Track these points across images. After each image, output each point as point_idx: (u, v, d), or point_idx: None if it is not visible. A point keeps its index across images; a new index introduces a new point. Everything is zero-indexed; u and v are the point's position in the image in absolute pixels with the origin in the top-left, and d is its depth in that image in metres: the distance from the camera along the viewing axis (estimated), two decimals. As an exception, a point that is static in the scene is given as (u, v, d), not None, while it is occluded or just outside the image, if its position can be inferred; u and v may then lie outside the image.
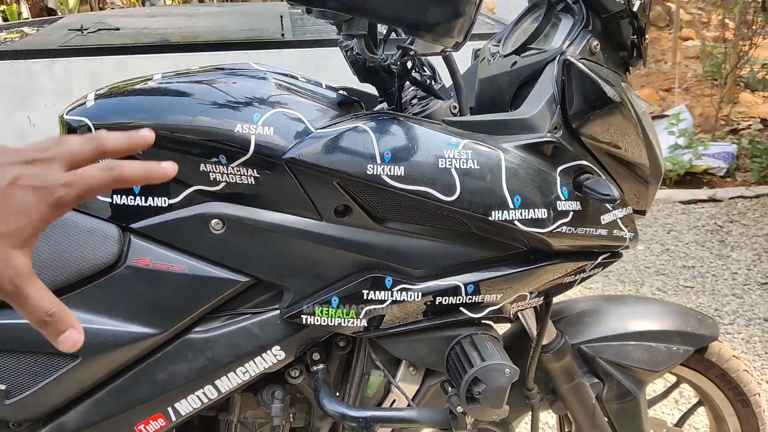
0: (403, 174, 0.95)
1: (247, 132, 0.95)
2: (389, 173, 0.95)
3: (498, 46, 1.25)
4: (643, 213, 1.19)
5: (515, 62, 1.14)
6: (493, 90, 1.18)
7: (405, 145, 0.96)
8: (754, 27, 4.55)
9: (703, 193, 3.91)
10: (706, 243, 3.36)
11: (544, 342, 1.21)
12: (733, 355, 1.39)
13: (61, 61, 3.36)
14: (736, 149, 4.37)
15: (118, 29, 3.81)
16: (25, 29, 4.04)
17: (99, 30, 3.77)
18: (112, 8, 9.88)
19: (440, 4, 0.85)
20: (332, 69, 2.98)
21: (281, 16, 4.13)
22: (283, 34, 3.64)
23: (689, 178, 4.18)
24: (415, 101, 1.17)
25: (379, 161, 0.94)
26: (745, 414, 1.44)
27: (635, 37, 1.10)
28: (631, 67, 1.15)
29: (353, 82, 1.23)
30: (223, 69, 1.13)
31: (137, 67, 3.40)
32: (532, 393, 1.23)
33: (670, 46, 6.35)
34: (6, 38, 3.77)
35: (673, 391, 1.52)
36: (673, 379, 1.48)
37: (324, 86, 1.20)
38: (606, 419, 1.31)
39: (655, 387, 2.08)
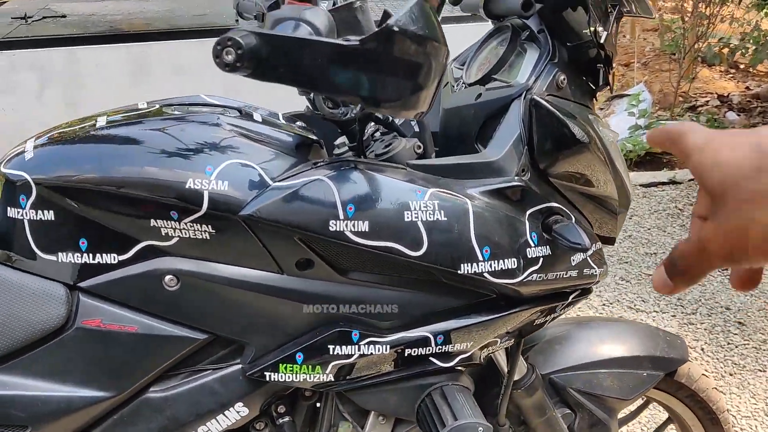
0: (367, 230, 0.90)
1: (199, 187, 0.89)
2: (353, 229, 0.90)
3: (461, 69, 1.20)
4: (612, 242, 1.17)
5: (480, 94, 1.09)
6: (458, 121, 1.13)
7: (369, 198, 0.91)
8: (711, 6, 4.55)
9: (663, 175, 3.92)
10: (667, 228, 3.38)
11: (516, 378, 1.18)
12: (702, 374, 1.39)
13: (5, 54, 3.20)
14: (695, 127, 4.39)
15: (64, 16, 3.65)
16: (-37, 17, 3.84)
17: (44, 18, 3.60)
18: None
19: (404, 84, 0.78)
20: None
21: None
22: (237, 20, 3.52)
23: (649, 159, 4.20)
24: (377, 135, 1.12)
25: (341, 216, 0.89)
26: (714, 431, 1.44)
27: (602, 66, 1.06)
28: (598, 93, 1.12)
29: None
30: (171, 105, 1.06)
31: (88, 60, 3.27)
32: (504, 429, 1.21)
33: (628, 19, 6.34)
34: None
35: (643, 411, 1.52)
36: (642, 399, 1.48)
37: (281, 117, 1.14)
38: (578, 448, 1.30)
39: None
